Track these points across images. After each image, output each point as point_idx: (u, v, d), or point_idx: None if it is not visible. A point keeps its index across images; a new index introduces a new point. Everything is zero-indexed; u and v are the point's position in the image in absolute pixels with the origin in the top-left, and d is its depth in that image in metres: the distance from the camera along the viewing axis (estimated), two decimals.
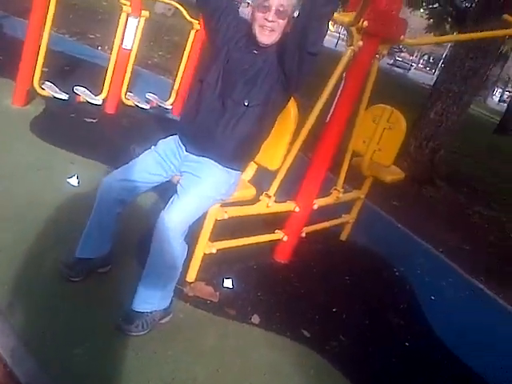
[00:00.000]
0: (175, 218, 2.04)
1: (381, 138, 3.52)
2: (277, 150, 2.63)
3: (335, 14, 2.55)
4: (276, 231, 3.13)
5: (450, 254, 4.51)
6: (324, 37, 2.12)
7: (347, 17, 2.64)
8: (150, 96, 5.47)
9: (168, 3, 5.94)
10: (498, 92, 54.90)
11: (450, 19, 22.41)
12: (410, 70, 38.73)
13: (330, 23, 2.15)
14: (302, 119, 2.75)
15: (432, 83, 26.42)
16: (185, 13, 5.33)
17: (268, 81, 2.16)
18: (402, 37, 2.90)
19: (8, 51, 4.78)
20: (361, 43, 2.72)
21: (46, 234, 2.65)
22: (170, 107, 5.56)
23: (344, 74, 2.86)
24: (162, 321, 2.27)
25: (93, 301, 2.31)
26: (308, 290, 3.03)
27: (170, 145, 2.32)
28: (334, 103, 2.94)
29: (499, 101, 50.86)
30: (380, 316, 3.06)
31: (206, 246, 2.59)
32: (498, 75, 33.61)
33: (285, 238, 3.13)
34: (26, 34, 4.05)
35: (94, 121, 4.51)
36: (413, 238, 4.59)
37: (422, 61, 65.28)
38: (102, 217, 2.28)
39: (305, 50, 2.06)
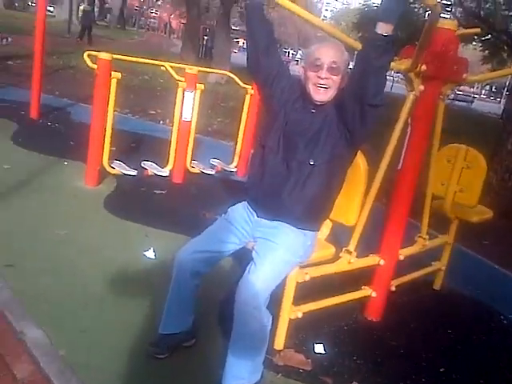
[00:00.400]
0: (255, 288, 1.95)
1: (460, 178, 3.39)
2: (351, 205, 2.52)
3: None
4: (363, 287, 2.93)
5: None
6: (384, 88, 2.01)
7: (403, 64, 2.58)
8: (214, 161, 5.57)
9: (221, 73, 6.16)
10: None
11: (506, 47, 21.92)
12: (473, 102, 37.63)
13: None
14: (372, 170, 2.62)
15: (500, 112, 25.76)
16: (237, 80, 5.49)
17: (330, 139, 2.09)
18: (465, 75, 2.82)
19: (78, 136, 5.02)
20: (422, 87, 2.64)
21: (129, 311, 2.62)
22: (234, 170, 5.63)
23: (409, 120, 2.75)
24: None
25: (181, 377, 2.22)
26: (408, 349, 2.78)
27: (240, 211, 2.26)
28: (404, 149, 2.82)
29: None
30: (495, 373, 2.74)
31: (290, 311, 2.43)
32: None
33: (373, 294, 2.91)
34: (92, 117, 4.27)
35: (164, 192, 4.59)
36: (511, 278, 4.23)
37: (483, 91, 63.80)
38: (180, 291, 2.24)
39: (366, 103, 1.95)
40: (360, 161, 2.46)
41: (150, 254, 3.27)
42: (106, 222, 3.70)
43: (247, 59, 2.24)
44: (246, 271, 2.04)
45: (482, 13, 18.88)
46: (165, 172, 4.78)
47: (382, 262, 2.86)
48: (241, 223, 2.22)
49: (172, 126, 4.95)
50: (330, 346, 2.63)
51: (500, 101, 31.15)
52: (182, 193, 4.72)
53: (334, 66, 2.06)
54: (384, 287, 2.95)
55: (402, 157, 2.82)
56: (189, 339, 2.38)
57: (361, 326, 2.91)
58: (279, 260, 2.07)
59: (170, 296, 2.27)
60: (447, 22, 2.67)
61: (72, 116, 6.93)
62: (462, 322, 3.21)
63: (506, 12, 21.66)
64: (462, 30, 2.74)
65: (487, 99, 58.05)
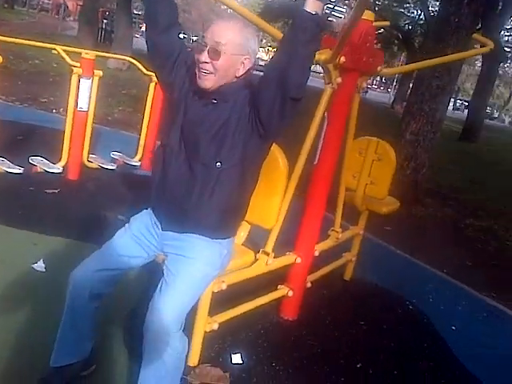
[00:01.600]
0: (168, 314, 1.69)
1: (371, 171, 3.39)
2: (270, 207, 2.33)
3: None
4: (279, 287, 2.81)
5: (454, 273, 4.36)
6: (307, 79, 1.75)
7: (323, 54, 2.42)
8: (115, 154, 5.14)
9: (122, 59, 5.74)
10: (451, 101, 57.02)
11: (396, 41, 23.40)
12: (367, 92, 39.80)
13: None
14: (289, 164, 2.46)
15: (389, 101, 27.43)
16: (141, 67, 5.10)
17: (240, 134, 1.79)
18: (380, 67, 2.79)
19: None
20: (339, 79, 2.54)
21: (13, 338, 2.22)
22: (138, 163, 5.24)
23: (326, 113, 2.64)
24: None
25: None
26: (325, 347, 2.71)
27: (144, 221, 1.96)
28: (320, 143, 2.72)
29: (453, 109, 52.78)
30: (407, 362, 2.77)
31: (205, 324, 2.22)
32: None
33: (290, 293, 2.80)
34: None
35: (56, 191, 4.09)
36: (415, 264, 4.43)
37: (375, 81, 67.48)
38: (76, 317, 1.89)
39: (287, 95, 1.68)
40: (279, 158, 2.27)
41: (40, 266, 2.84)
42: None
43: (145, 40, 1.92)
44: (157, 290, 1.77)
45: (376, 8, 19.86)
46: (57, 168, 4.30)
47: (298, 260, 2.76)
48: (146, 235, 1.93)
49: (66, 116, 4.47)
50: (248, 353, 2.47)
51: (389, 91, 33.27)
52: (78, 191, 4.24)
53: (216, 48, 1.74)
54: (300, 285, 2.86)
55: (319, 151, 2.71)
56: (87, 367, 2.04)
57: (278, 327, 2.79)
58: (194, 277, 1.82)
59: (63, 323, 1.91)
60: (365, 13, 2.53)
61: None
62: (373, 313, 3.23)
63: (397, 8, 23.12)
64: (376, 22, 2.67)
65: (378, 89, 61.51)
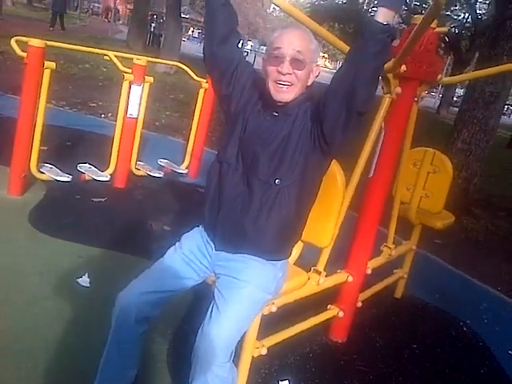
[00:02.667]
0: (219, 342, 1.60)
1: (426, 183, 3.25)
2: (326, 225, 2.19)
3: None
4: (329, 307, 2.69)
5: (509, 290, 4.17)
6: (375, 91, 1.66)
7: None
8: (162, 162, 5.10)
9: (172, 65, 5.73)
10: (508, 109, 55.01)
11: (443, 45, 22.70)
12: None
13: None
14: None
15: (435, 106, 26.63)
16: (191, 72, 5.06)
17: (301, 150, 1.71)
18: (440, 76, 2.64)
19: (3, 133, 4.23)
20: (399, 89, 2.41)
21: (58, 362, 2.15)
22: (185, 171, 5.18)
23: (383, 124, 2.50)
24: None
25: None
26: (377, 373, 2.59)
27: (195, 240, 1.88)
28: (377, 155, 2.57)
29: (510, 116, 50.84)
30: None
31: (253, 349, 2.10)
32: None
33: (340, 314, 2.67)
34: (19, 112, 3.68)
35: (103, 200, 4.07)
36: (468, 280, 4.23)
37: None
38: (120, 342, 1.81)
39: (354, 109, 1.60)
40: (337, 174, 2.13)
41: (84, 280, 2.76)
42: (31, 241, 3.12)
43: (204, 49, 1.85)
44: (207, 316, 1.68)
45: (422, 11, 19.34)
46: (105, 176, 4.27)
47: (350, 279, 2.62)
48: (197, 256, 1.85)
49: (116, 121, 4.45)
50: (296, 379, 2.35)
51: (435, 95, 32.33)
52: (124, 200, 4.21)
53: (299, 57, 1.69)
54: (351, 305, 2.73)
55: (374, 163, 2.57)
56: None
57: (327, 350, 2.68)
58: (247, 301, 1.72)
59: (107, 346, 1.83)
60: None
61: None
62: (425, 334, 3.10)
63: (444, 11, 22.44)
64: (438, 28, 2.51)
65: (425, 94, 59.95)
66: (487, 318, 3.54)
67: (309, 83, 1.79)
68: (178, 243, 1.91)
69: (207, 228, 1.86)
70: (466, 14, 22.93)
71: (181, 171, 5.13)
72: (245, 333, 1.89)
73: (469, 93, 6.16)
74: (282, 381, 2.30)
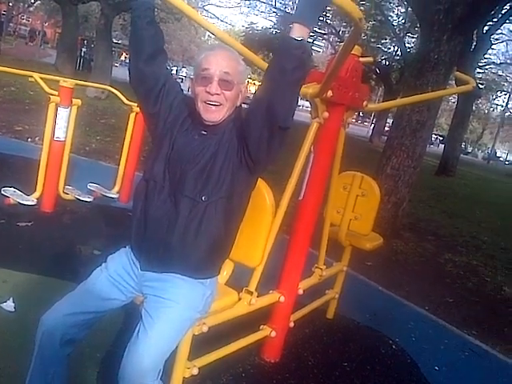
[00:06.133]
0: (146, 361, 1.57)
1: (355, 206, 3.35)
2: (256, 245, 2.23)
3: None
4: (262, 327, 2.70)
5: (435, 309, 4.35)
6: (295, 108, 1.71)
7: (310, 88, 2.39)
8: (92, 186, 4.98)
9: (102, 88, 5.65)
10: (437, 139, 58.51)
11: (374, 76, 24.01)
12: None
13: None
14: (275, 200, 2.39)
15: (368, 135, 27.93)
16: (121, 96, 5.02)
17: (228, 167, 1.74)
18: (365, 102, 2.78)
19: None
20: (326, 114, 2.51)
21: None
22: (116, 195, 5.08)
23: (312, 147, 2.59)
24: None
25: None
26: None
27: (121, 261, 1.84)
28: (306, 178, 2.66)
29: (428, 143, 54.02)
30: None
31: (184, 370, 2.08)
32: None
33: (273, 334, 2.69)
34: None
35: (30, 224, 3.92)
36: (397, 301, 4.37)
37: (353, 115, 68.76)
38: (45, 364, 1.74)
39: (275, 125, 1.62)
40: (266, 195, 2.18)
41: (9, 305, 2.67)
42: None
43: (129, 69, 1.84)
44: (134, 335, 1.64)
45: None
46: (31, 200, 4.12)
47: (282, 299, 2.66)
48: (123, 276, 1.81)
49: (42, 145, 4.33)
50: None
51: (366, 125, 33.97)
52: (52, 224, 4.08)
53: (227, 78, 1.73)
54: (283, 324, 2.75)
55: (304, 186, 2.65)
56: None
57: (260, 370, 2.68)
58: (174, 320, 1.69)
59: (31, 370, 1.76)
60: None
61: None
62: (356, 353, 3.16)
63: (375, 44, 23.74)
64: (362, 58, 2.67)
65: (355, 123, 62.70)
66: (415, 336, 3.67)
67: (238, 103, 1.83)
68: (103, 264, 1.87)
69: (133, 248, 1.82)
70: (396, 47, 24.24)
71: (111, 195, 5.03)
72: (175, 353, 1.87)
73: (397, 121, 6.45)
74: None
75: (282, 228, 2.44)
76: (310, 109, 2.55)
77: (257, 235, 2.20)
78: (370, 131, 28.94)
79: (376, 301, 4.24)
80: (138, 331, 1.66)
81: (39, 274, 3.11)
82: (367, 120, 33.93)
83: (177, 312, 1.70)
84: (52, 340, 1.70)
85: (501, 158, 61.13)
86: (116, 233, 3.96)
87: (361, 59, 2.68)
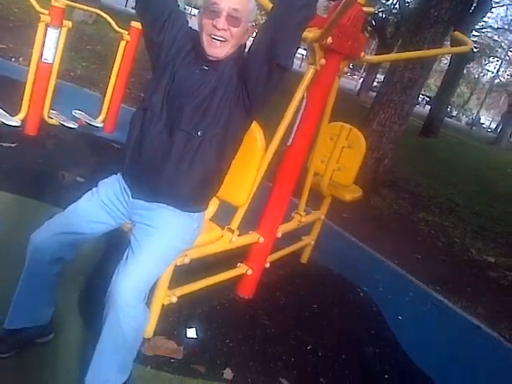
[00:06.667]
0: (133, 285, 1.64)
1: (340, 157, 3.39)
2: (243, 185, 2.28)
3: None
4: (239, 265, 2.81)
5: (404, 264, 4.48)
6: (298, 47, 1.74)
7: (311, 33, 2.36)
8: (76, 113, 4.89)
9: (92, 12, 5.44)
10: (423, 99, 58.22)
11: (369, 28, 23.46)
12: None
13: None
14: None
15: (355, 89, 27.65)
16: (113, 23, 4.84)
17: (226, 103, 1.76)
18: (363, 53, 2.77)
19: None
20: (323, 61, 2.50)
21: None
22: (101, 125, 5.01)
23: (305, 94, 2.60)
24: None
25: (28, 381, 1.84)
26: (278, 327, 2.75)
27: (113, 187, 1.87)
28: (296, 124, 2.68)
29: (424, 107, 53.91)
30: (355, 347, 2.86)
31: (164, 296, 2.18)
32: None
33: (249, 272, 2.81)
34: None
35: (13, 145, 3.88)
36: (369, 253, 4.52)
37: None
38: (34, 282, 1.81)
39: (274, 62, 1.66)
40: (258, 137, 2.22)
41: None
42: None
43: None
44: (123, 260, 1.70)
45: None
46: (15, 121, 4.03)
47: (261, 240, 2.76)
48: (114, 202, 1.84)
49: (28, 64, 4.19)
50: (203, 329, 2.46)
51: (356, 78, 33.48)
52: (36, 148, 4.04)
53: (235, 14, 1.71)
54: (260, 264, 2.87)
55: (294, 132, 2.67)
56: (45, 334, 1.99)
57: (234, 304, 2.80)
58: (162, 249, 1.76)
59: (20, 286, 1.83)
60: None
61: None
62: (326, 297, 3.31)
63: None
64: (365, 8, 2.63)
65: (344, 75, 61.69)
66: (382, 287, 3.83)
67: (243, 42, 1.82)
68: (94, 188, 1.90)
69: (126, 175, 1.85)
70: (395, 0, 23.64)
71: (96, 124, 4.95)
72: (156, 281, 1.94)
73: (388, 77, 6.40)
74: (189, 328, 2.40)
75: (265, 175, 2.50)
76: (304, 56, 2.54)
77: (245, 175, 2.26)
78: (359, 85, 28.61)
79: (349, 251, 4.38)
80: (127, 256, 1.72)
81: (22, 194, 3.12)
82: (356, 73, 33.40)
83: (165, 240, 1.76)
84: (41, 258, 1.75)
85: (484, 125, 61.55)
86: (100, 162, 3.96)
87: (366, 9, 2.65)
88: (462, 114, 61.50)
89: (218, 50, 1.74)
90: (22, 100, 4.14)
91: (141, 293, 1.68)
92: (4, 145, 3.83)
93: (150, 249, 1.73)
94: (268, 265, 2.96)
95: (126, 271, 1.66)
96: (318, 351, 2.67)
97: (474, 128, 46.99)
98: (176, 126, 1.74)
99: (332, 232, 4.55)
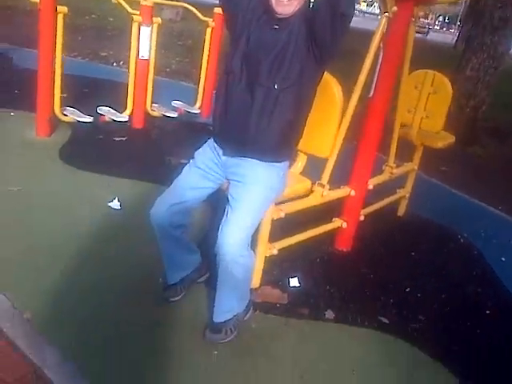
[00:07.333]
0: (235, 238, 1.90)
1: (427, 104, 3.39)
2: (326, 137, 2.44)
3: None
4: (334, 219, 2.97)
5: (509, 210, 4.34)
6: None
7: None
8: (176, 103, 5.34)
9: (178, 6, 5.81)
10: None
11: None
12: (428, 33, 37.52)
13: None
14: (344, 99, 2.53)
15: (453, 42, 25.77)
16: (198, 13, 5.19)
17: (297, 56, 1.90)
18: None
19: (23, 84, 4.64)
20: (395, 8, 2.54)
21: (110, 264, 2.54)
22: (198, 111, 5.44)
23: (381, 44, 2.65)
24: (246, 317, 2.25)
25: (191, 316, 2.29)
26: (376, 274, 2.89)
27: (207, 153, 2.12)
28: (376, 75, 2.74)
29: None
30: (455, 288, 2.92)
31: (265, 249, 2.44)
32: None
33: (344, 225, 2.97)
34: (38, 62, 3.93)
35: (124, 139, 4.41)
36: (470, 202, 4.44)
37: (437, 22, 63.33)
38: (169, 244, 2.21)
39: (338, 11, 1.78)
40: (335, 89, 2.35)
41: (115, 204, 3.13)
42: (64, 174, 3.50)
43: None
44: (224, 216, 1.97)
45: None
46: (124, 117, 4.53)
47: (352, 193, 2.89)
48: (210, 166, 2.11)
49: (128, 67, 4.67)
50: (304, 279, 2.68)
51: (453, 32, 31.18)
52: (143, 138, 4.55)
53: None
54: (354, 217, 3.00)
55: (374, 84, 2.74)
56: (202, 274, 2.47)
57: (333, 257, 2.99)
58: (256, 200, 2.00)
59: (161, 250, 2.24)
60: None
61: (15, 62, 6.46)
62: (424, 245, 3.37)
63: None
64: None
65: (440, 30, 57.68)
66: (485, 233, 3.76)
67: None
68: (191, 160, 2.18)
69: (216, 135, 2.09)
70: None
71: (194, 111, 5.38)
72: (257, 234, 2.21)
73: (477, 19, 6.12)
74: (292, 278, 2.63)
75: (351, 135, 2.60)
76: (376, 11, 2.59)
77: (326, 127, 2.42)
78: (456, 38, 26.66)
79: (448, 201, 4.33)
80: (227, 212, 1.98)
81: (137, 179, 3.58)
82: (453, 27, 31.19)
83: (256, 192, 2.00)
84: (163, 227, 2.11)
85: None
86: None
87: None
88: None
89: (286, 7, 1.89)
90: (127, 98, 4.63)
91: (244, 242, 1.94)
92: (116, 139, 4.37)
93: (245, 202, 1.97)
94: (362, 218, 3.07)
95: (228, 225, 1.93)
96: (417, 293, 2.77)
97: None
98: (255, 82, 1.92)
99: (430, 185, 4.52)
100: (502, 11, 5.68)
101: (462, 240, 3.56)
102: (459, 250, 3.42)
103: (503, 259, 3.39)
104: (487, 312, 2.72)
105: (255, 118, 1.93)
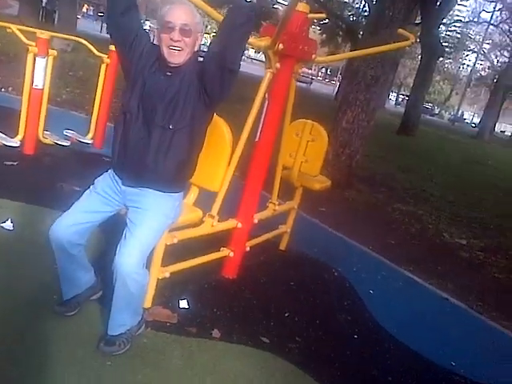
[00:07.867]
0: (132, 258, 2.08)
1: (306, 150, 3.77)
2: (216, 173, 2.73)
3: (252, 39, 2.74)
4: (222, 249, 3.21)
5: (379, 250, 4.78)
6: (242, 54, 2.22)
7: (263, 41, 2.82)
8: (68, 132, 5.35)
9: (73, 40, 5.85)
10: (393, 96, 58.91)
11: (341, 32, 24.00)
12: (311, 83, 40.42)
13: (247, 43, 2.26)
14: (233, 140, 2.84)
15: (333, 93, 28.04)
16: (93, 48, 5.30)
17: (189, 102, 2.17)
18: (314, 55, 3.12)
19: None
20: (278, 65, 2.91)
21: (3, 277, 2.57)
22: (90, 141, 5.48)
23: (266, 95, 3.01)
24: (138, 332, 2.41)
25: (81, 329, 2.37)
26: (259, 300, 3.15)
27: (107, 181, 2.30)
28: (261, 122, 3.09)
29: (395, 104, 54.57)
30: (328, 315, 3.24)
31: (158, 272, 2.61)
32: (392, 81, 36.30)
33: (231, 254, 3.22)
34: None
35: (15, 163, 4.34)
36: (345, 240, 4.84)
37: (320, 73, 68.23)
38: (66, 263, 2.31)
39: (226, 68, 2.09)
40: (224, 129, 2.65)
41: (8, 225, 3.14)
42: None
43: (107, 19, 2.23)
44: (123, 238, 2.14)
45: None
46: (15, 142, 4.49)
47: (239, 225, 3.17)
48: (109, 193, 2.27)
49: (18, 94, 4.68)
50: (193, 301, 2.87)
51: (334, 83, 34.11)
52: (35, 164, 4.51)
53: (186, 28, 2.10)
54: (241, 248, 3.26)
55: (260, 129, 3.09)
56: (96, 292, 2.58)
57: (220, 283, 3.20)
58: (152, 225, 2.19)
59: (59, 268, 2.34)
60: (300, 5, 2.93)
61: None
62: (302, 276, 3.67)
63: None
64: (311, 14, 3.03)
65: (323, 81, 62.21)
66: (356, 268, 4.15)
67: (195, 49, 2.25)
68: (91, 186, 2.33)
69: (116, 168, 2.28)
70: (364, 2, 23.99)
71: (86, 141, 5.42)
72: (151, 258, 2.39)
73: (352, 76, 6.72)
74: (181, 300, 2.82)
75: (238, 169, 2.87)
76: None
77: (217, 163, 2.71)
78: (336, 90, 29.19)
79: (325, 239, 4.72)
80: (125, 234, 2.16)
81: (29, 203, 3.57)
82: (334, 79, 34.14)
83: (154, 218, 2.21)
84: (61, 245, 2.21)
85: (467, 120, 61.85)
86: (93, 173, 4.36)
87: (312, 15, 3.06)
88: (445, 111, 61.88)
89: (177, 57, 2.14)
90: (19, 124, 4.59)
91: (140, 261, 2.12)
92: (7, 163, 4.28)
93: (143, 225, 2.17)
94: (248, 248, 3.34)
95: (126, 246, 2.10)
96: (295, 317, 3.06)
97: (456, 124, 47.07)
98: (152, 123, 2.15)
99: (309, 223, 4.92)
100: (374, 71, 6.32)
101: (336, 273, 3.91)
102: (333, 282, 3.76)
103: (371, 292, 3.76)
104: (355, 337, 3.05)
105: (152, 155, 2.17)
